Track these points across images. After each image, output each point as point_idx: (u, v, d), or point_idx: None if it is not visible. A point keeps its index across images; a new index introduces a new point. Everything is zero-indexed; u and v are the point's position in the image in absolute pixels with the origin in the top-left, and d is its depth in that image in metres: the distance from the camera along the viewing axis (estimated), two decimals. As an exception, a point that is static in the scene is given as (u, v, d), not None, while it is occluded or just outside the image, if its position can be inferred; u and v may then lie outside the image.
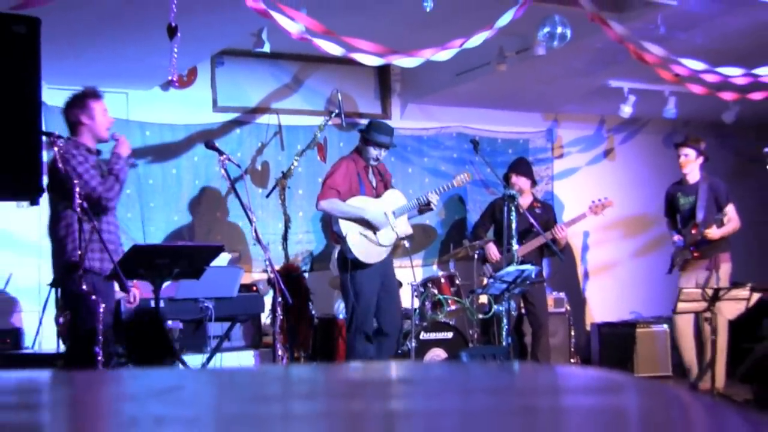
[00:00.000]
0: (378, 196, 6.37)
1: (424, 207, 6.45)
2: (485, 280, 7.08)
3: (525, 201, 7.42)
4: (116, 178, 5.03)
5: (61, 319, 6.05)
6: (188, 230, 7.60)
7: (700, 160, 7.22)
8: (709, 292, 6.19)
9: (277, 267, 6.12)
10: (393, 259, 6.54)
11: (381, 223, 6.22)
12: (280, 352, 5.67)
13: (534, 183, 7.75)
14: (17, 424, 1.24)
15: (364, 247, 6.20)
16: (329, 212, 6.36)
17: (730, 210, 7.07)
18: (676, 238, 7.21)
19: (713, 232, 6.94)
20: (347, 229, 6.20)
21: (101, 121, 5.10)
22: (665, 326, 8.17)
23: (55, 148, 4.71)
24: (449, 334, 6.85)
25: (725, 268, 7.06)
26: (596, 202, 7.48)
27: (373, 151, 6.29)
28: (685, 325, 7.10)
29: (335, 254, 7.66)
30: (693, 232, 7.04)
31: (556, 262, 7.95)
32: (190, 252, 5.18)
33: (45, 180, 5.06)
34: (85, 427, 1.27)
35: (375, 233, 6.22)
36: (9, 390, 1.61)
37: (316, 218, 8.13)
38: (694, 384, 6.98)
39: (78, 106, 5.09)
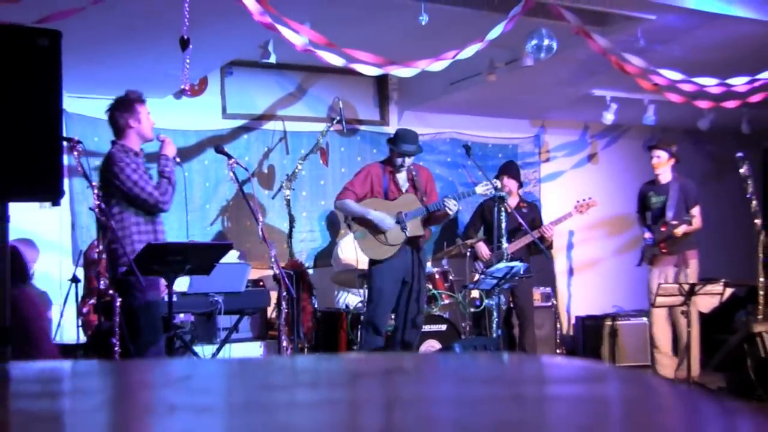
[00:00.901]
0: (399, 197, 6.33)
1: (441, 213, 6.33)
2: (476, 276, 7.08)
3: (512, 201, 7.41)
4: (169, 181, 5.00)
5: (85, 309, 6.05)
6: (200, 229, 7.60)
7: (672, 161, 7.20)
8: (686, 286, 6.19)
9: (282, 264, 6.11)
10: (423, 258, 6.43)
11: (388, 223, 6.18)
12: (284, 343, 5.66)
13: (521, 185, 7.75)
14: (40, 412, 1.24)
15: (371, 245, 6.20)
16: (341, 210, 6.42)
17: (696, 211, 7.06)
18: (647, 235, 7.19)
19: (679, 229, 6.93)
20: (357, 227, 6.22)
21: (146, 124, 5.05)
22: (645, 319, 8.17)
23: (75, 153, 4.71)
24: (443, 327, 6.85)
25: (693, 265, 7.04)
26: (581, 201, 7.47)
27: (398, 159, 6.26)
28: (661, 319, 7.09)
29: (336, 251, 7.67)
30: (662, 229, 7.03)
31: (537, 260, 7.93)
32: (200, 250, 5.17)
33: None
34: (103, 414, 1.27)
35: (384, 232, 6.20)
36: (32, 379, 1.61)
37: (320, 218, 8.14)
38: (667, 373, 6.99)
39: (126, 110, 5.00)
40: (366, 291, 6.31)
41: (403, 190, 6.31)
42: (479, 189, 6.48)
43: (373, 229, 6.18)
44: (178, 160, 5.20)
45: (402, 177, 6.34)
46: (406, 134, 6.32)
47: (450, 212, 6.23)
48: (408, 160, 6.27)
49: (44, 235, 7.01)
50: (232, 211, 7.79)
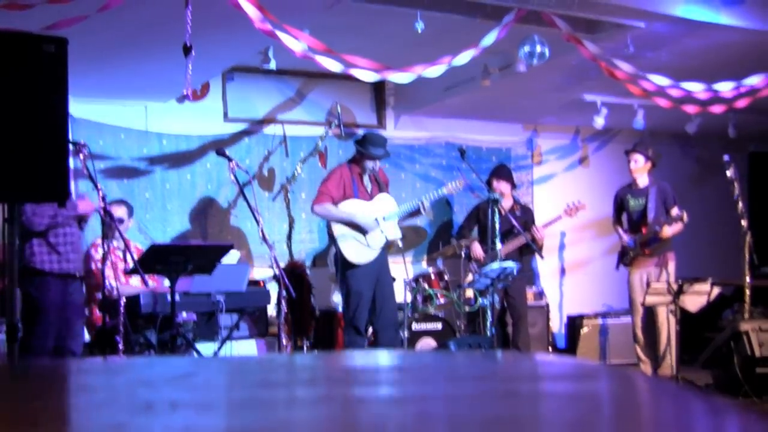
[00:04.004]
0: (372, 199, 6.35)
1: (415, 212, 6.43)
2: (471, 276, 7.07)
3: (506, 204, 7.39)
4: (49, 224, 4.98)
5: (86, 312, 6.04)
6: (202, 230, 7.59)
7: (649, 165, 7.19)
8: (674, 286, 6.20)
9: (281, 264, 6.11)
10: (388, 258, 6.50)
11: (370, 226, 6.19)
12: (284, 342, 5.67)
13: (514, 186, 7.73)
14: (45, 408, 1.24)
15: (354, 249, 6.18)
16: (322, 216, 6.38)
17: (676, 210, 7.02)
18: (626, 237, 7.16)
19: (666, 231, 6.91)
20: (339, 231, 6.20)
21: None
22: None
23: (81, 156, 4.71)
24: (438, 325, 6.85)
25: (672, 265, 7.04)
26: (570, 205, 7.45)
27: (369, 163, 6.27)
28: (644, 319, 7.10)
29: (332, 252, 7.67)
30: (644, 232, 7.02)
31: (524, 261, 7.91)
32: (202, 250, 5.16)
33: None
34: (106, 410, 1.26)
35: (365, 236, 6.20)
36: (39, 376, 1.61)
37: (319, 220, 8.13)
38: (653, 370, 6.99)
39: None
40: (344, 293, 6.28)
41: (369, 190, 6.34)
42: (447, 188, 6.52)
43: (357, 232, 6.18)
44: (83, 225, 5.20)
45: (366, 178, 6.37)
46: (376, 138, 6.34)
47: (423, 212, 6.33)
48: (377, 164, 6.30)
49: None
50: (234, 212, 7.78)
